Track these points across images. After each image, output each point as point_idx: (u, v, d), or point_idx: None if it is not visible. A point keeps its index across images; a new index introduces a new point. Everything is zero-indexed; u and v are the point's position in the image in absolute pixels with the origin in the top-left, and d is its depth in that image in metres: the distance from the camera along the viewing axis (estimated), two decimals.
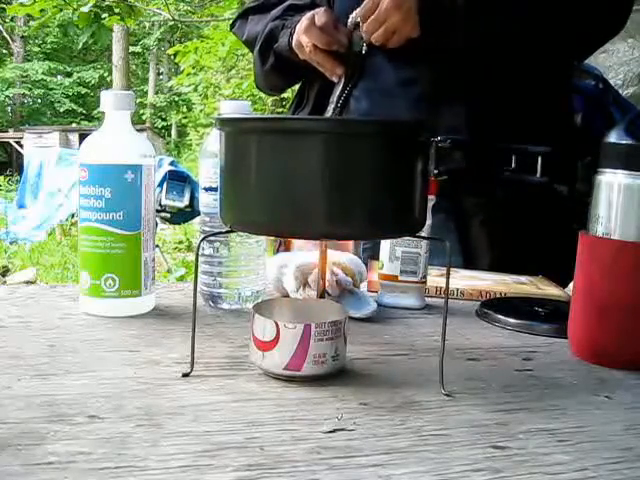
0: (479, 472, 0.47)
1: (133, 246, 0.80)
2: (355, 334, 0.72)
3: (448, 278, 0.60)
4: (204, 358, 0.66)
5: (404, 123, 0.65)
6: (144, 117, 18.53)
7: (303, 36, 1.08)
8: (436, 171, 0.61)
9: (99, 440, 0.49)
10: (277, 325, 0.60)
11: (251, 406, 0.56)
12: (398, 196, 0.59)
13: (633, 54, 2.02)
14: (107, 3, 5.05)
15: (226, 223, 0.63)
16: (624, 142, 0.67)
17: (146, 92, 20.14)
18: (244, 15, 1.31)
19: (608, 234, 0.68)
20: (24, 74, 19.17)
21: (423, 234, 0.65)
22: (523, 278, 1.03)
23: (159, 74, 21.61)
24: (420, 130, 0.60)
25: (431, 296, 0.93)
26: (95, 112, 17.93)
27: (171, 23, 11.71)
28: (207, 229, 0.85)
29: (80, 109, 20.11)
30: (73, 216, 6.88)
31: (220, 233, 0.74)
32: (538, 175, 0.73)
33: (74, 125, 17.61)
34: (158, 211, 5.71)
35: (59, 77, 20.40)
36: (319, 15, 1.07)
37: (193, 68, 8.13)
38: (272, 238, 1.17)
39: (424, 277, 0.89)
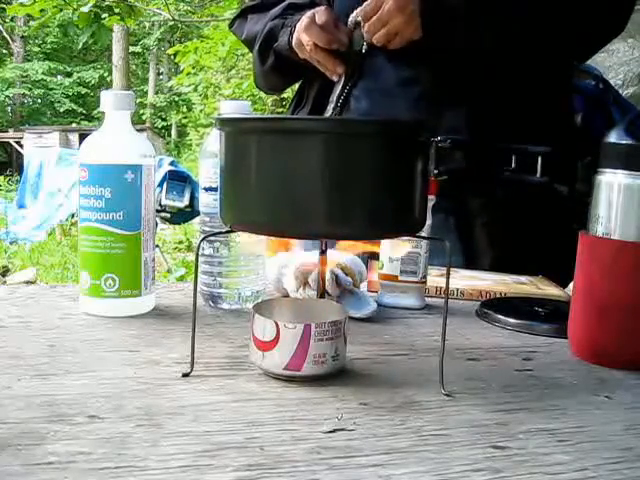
0: (479, 472, 0.47)
1: (133, 246, 0.80)
2: (355, 334, 0.72)
3: (448, 278, 0.60)
4: (204, 358, 0.66)
5: (404, 123, 0.65)
6: (144, 117, 18.53)
7: (303, 34, 1.08)
8: (436, 171, 0.61)
9: (99, 440, 0.49)
10: (277, 325, 0.60)
11: (251, 406, 0.56)
12: (398, 196, 0.59)
13: (633, 54, 2.02)
14: (107, 3, 5.05)
15: (226, 223, 0.63)
16: (624, 142, 0.67)
17: (146, 92, 20.15)
18: (243, 14, 1.30)
19: (608, 234, 0.68)
20: (24, 74, 19.17)
21: (423, 234, 0.65)
22: (523, 278, 1.03)
23: (159, 74, 21.61)
24: (420, 130, 0.60)
25: (431, 296, 0.93)
26: (95, 112, 17.94)
27: (171, 23, 11.71)
28: (207, 229, 0.85)
29: (80, 109, 20.11)
30: (73, 216, 6.88)
31: (220, 233, 0.74)
32: (538, 175, 0.73)
33: (74, 125, 17.61)
34: (158, 211, 5.70)
35: (59, 77, 20.40)
36: (320, 14, 1.07)
37: (193, 68, 8.14)
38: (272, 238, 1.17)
39: (424, 277, 0.89)
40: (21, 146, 14.06)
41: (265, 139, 0.58)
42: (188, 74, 8.39)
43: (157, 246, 5.40)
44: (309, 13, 1.08)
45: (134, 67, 21.18)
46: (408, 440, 0.51)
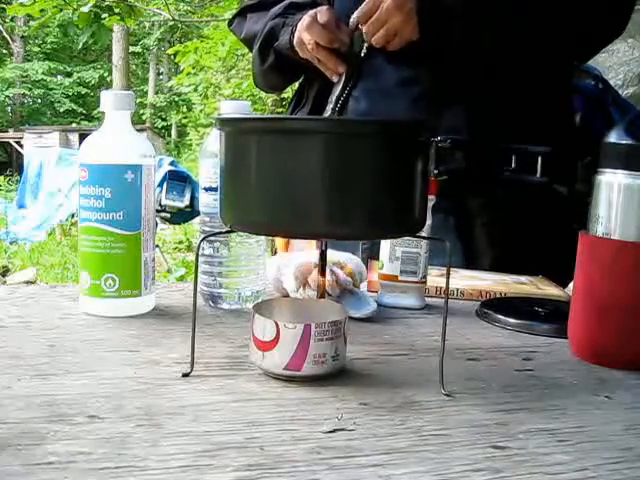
0: (479, 472, 0.47)
1: (133, 246, 0.80)
2: (355, 334, 0.72)
3: (448, 278, 0.60)
4: (204, 358, 0.66)
5: (404, 123, 0.65)
6: (144, 117, 18.53)
7: (305, 33, 1.08)
8: (436, 171, 0.61)
9: (99, 440, 0.49)
10: (277, 325, 0.60)
11: (251, 406, 0.56)
12: (398, 196, 0.59)
13: (633, 54, 2.02)
14: (107, 3, 5.05)
15: (226, 223, 0.63)
16: (624, 142, 0.67)
17: (146, 92, 20.15)
18: (242, 13, 1.30)
19: (608, 234, 0.68)
20: (24, 74, 19.17)
21: (423, 234, 0.65)
22: (523, 278, 1.03)
23: (159, 74, 21.61)
24: (420, 130, 0.60)
25: (431, 296, 0.93)
26: (95, 112, 17.94)
27: (171, 23, 11.71)
28: (207, 229, 0.85)
29: (80, 109, 20.12)
30: (73, 216, 6.89)
31: (220, 233, 0.74)
32: (538, 175, 0.73)
33: (74, 125, 17.62)
34: (158, 211, 5.70)
35: (59, 77, 20.40)
36: (322, 13, 1.07)
37: (193, 68, 8.13)
38: (271, 238, 1.17)
39: (424, 277, 0.89)
40: (21, 146, 14.06)
41: (265, 139, 0.58)
42: (188, 74, 8.38)
43: (157, 246, 5.40)
44: (311, 12, 1.08)
45: (134, 67, 21.18)
46: (408, 440, 0.51)
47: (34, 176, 7.82)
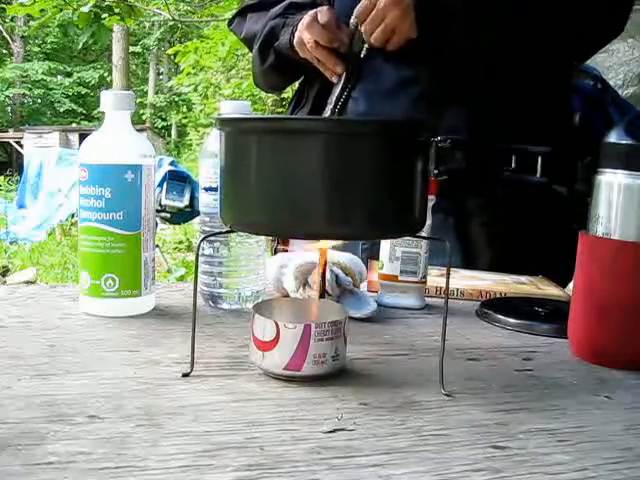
0: (479, 472, 0.47)
1: (133, 246, 0.80)
2: (355, 334, 0.72)
3: (448, 278, 0.60)
4: (204, 358, 0.66)
5: (404, 123, 0.64)
6: (144, 117, 18.54)
7: (305, 32, 1.08)
8: (436, 171, 0.61)
9: (99, 440, 0.49)
10: (277, 325, 0.60)
11: (251, 406, 0.56)
12: (398, 196, 0.59)
13: (633, 54, 2.02)
14: (107, 3, 5.05)
15: (226, 223, 0.63)
16: (624, 142, 0.67)
17: (146, 92, 20.15)
18: (242, 13, 1.30)
19: (608, 234, 0.68)
20: (24, 74, 19.17)
21: (423, 234, 0.65)
22: (523, 278, 1.03)
23: (159, 74, 21.61)
24: (420, 130, 0.60)
25: (431, 296, 0.93)
26: (95, 112, 17.94)
27: (171, 23, 11.71)
28: (207, 229, 0.85)
29: (80, 109, 20.12)
30: (73, 216, 6.89)
31: (220, 233, 0.74)
32: (538, 175, 0.73)
33: (74, 125, 17.62)
34: (158, 211, 5.71)
35: (59, 77, 20.40)
36: (322, 13, 1.08)
37: (193, 68, 8.13)
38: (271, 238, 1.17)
39: (424, 277, 0.89)
40: (21, 146, 14.06)
41: (265, 139, 0.58)
42: (188, 74, 8.38)
43: (157, 246, 5.40)
44: (311, 12, 1.08)
45: (134, 67, 21.18)
46: (408, 440, 0.51)
47: (34, 176, 7.82)
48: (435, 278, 0.95)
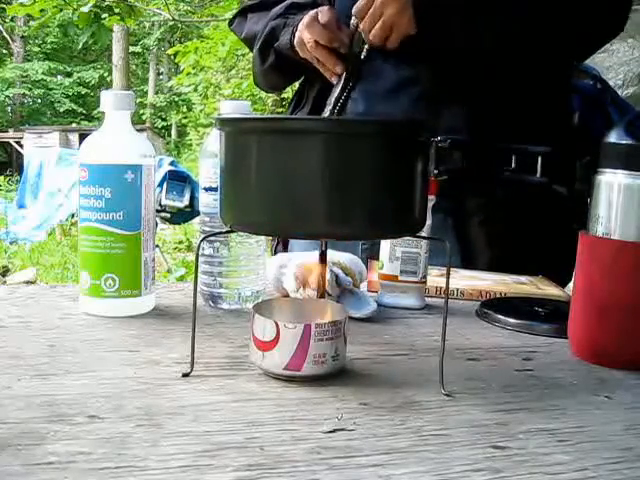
0: (479, 472, 0.47)
1: (133, 246, 0.80)
2: (355, 334, 0.72)
3: (448, 278, 0.60)
4: (204, 358, 0.66)
5: (404, 123, 0.65)
6: (144, 117, 18.54)
7: (305, 32, 1.08)
8: (436, 171, 0.61)
9: (99, 440, 0.49)
10: (277, 325, 0.60)
11: (251, 406, 0.56)
12: (398, 196, 0.59)
13: (633, 54, 2.02)
14: (107, 3, 5.05)
15: (226, 223, 0.63)
16: (624, 142, 0.67)
17: (146, 92, 20.15)
18: (243, 13, 1.31)
19: (608, 234, 0.68)
20: (24, 74, 19.17)
21: (423, 234, 0.65)
22: (523, 278, 1.03)
23: (159, 74, 21.62)
24: (420, 130, 0.60)
25: (431, 296, 0.93)
26: (95, 112, 17.95)
27: (171, 23, 11.71)
28: (207, 229, 0.85)
29: (80, 109, 20.12)
30: (73, 216, 6.89)
31: (220, 233, 0.74)
32: (538, 175, 0.73)
33: (74, 125, 17.62)
34: (158, 211, 5.71)
35: (59, 77, 20.40)
36: (323, 13, 1.08)
37: (193, 68, 8.13)
38: (270, 238, 1.17)
39: (424, 277, 0.89)
40: (21, 146, 14.06)
41: (265, 139, 0.58)
42: (188, 74, 8.38)
43: (157, 246, 5.40)
44: (312, 12, 1.09)
45: (134, 67, 21.19)
46: (408, 440, 0.51)
47: (34, 176, 7.82)
48: (435, 278, 0.95)
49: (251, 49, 1.27)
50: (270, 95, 6.71)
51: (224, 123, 0.62)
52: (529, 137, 0.88)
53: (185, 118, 14.69)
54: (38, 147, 11.67)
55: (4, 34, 18.73)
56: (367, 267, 0.95)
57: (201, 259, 0.84)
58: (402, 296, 0.89)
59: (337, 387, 0.61)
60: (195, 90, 9.81)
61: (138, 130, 0.86)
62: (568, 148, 0.99)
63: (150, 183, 0.81)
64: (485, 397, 0.60)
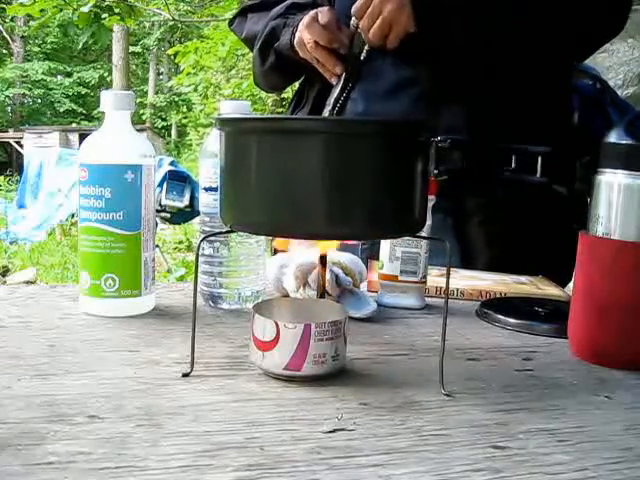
0: (479, 472, 0.47)
1: (133, 246, 0.80)
2: (355, 334, 0.72)
3: (448, 278, 0.60)
4: (204, 358, 0.66)
5: (404, 123, 0.65)
6: (144, 117, 18.54)
7: (305, 32, 1.08)
8: (436, 171, 0.61)
9: (99, 440, 0.49)
10: (277, 325, 0.60)
11: (251, 406, 0.56)
12: (398, 196, 0.59)
13: (633, 54, 2.02)
14: (107, 3, 5.05)
15: (226, 223, 0.63)
16: (624, 142, 0.67)
17: (146, 92, 20.15)
18: (243, 13, 1.31)
19: (608, 234, 0.68)
20: (24, 74, 19.17)
21: (423, 234, 0.65)
22: (523, 278, 1.03)
23: (159, 74, 21.62)
24: (420, 130, 0.60)
25: (431, 296, 0.93)
26: (95, 112, 17.95)
27: (171, 23, 11.71)
28: (207, 229, 0.85)
29: (80, 109, 20.12)
30: (73, 216, 6.89)
31: (220, 233, 0.74)
32: (538, 175, 0.73)
33: (74, 125, 17.62)
34: (158, 211, 5.71)
35: (59, 77, 20.41)
36: (323, 13, 1.08)
37: (193, 68, 8.14)
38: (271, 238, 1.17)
39: (424, 277, 0.89)
40: (21, 146, 14.06)
41: (265, 139, 0.58)
42: (188, 74, 8.38)
43: (157, 246, 5.40)
44: (312, 12, 1.09)
45: (134, 67, 21.19)
46: (408, 440, 0.51)
47: (34, 176, 7.82)
48: (435, 278, 0.95)
49: (251, 49, 1.27)
50: (270, 95, 6.71)
51: (224, 123, 0.62)
52: (529, 137, 0.88)
53: (185, 118, 14.69)
54: (38, 147, 11.67)
55: (4, 34, 18.73)
56: (367, 267, 0.95)
57: (201, 259, 0.84)
58: (402, 296, 0.89)
59: (337, 387, 0.61)
60: (195, 90, 9.81)
61: (138, 130, 0.86)
62: (568, 148, 0.99)
63: (150, 183, 0.81)
64: (485, 397, 0.60)
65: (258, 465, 0.46)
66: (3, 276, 5.03)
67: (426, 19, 1.02)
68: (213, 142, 0.82)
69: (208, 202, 0.84)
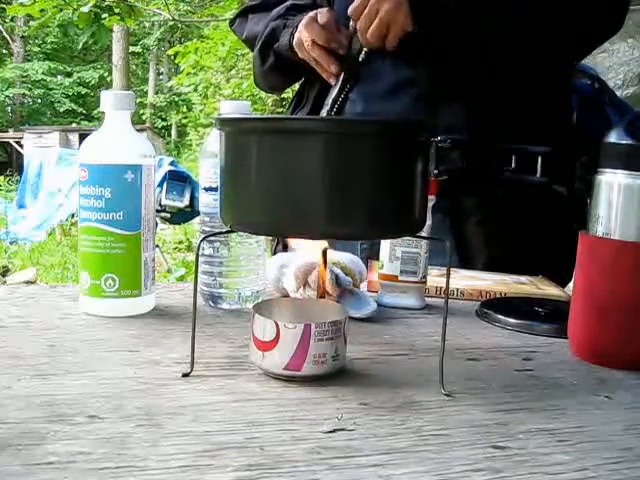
0: (479, 472, 0.47)
1: (133, 246, 0.80)
2: (355, 334, 0.72)
3: (448, 278, 0.60)
4: (204, 358, 0.66)
5: (404, 123, 0.65)
6: (144, 117, 18.54)
7: (303, 31, 1.08)
8: (436, 171, 0.61)
9: (99, 440, 0.49)
10: (277, 325, 0.60)
11: (251, 406, 0.56)
12: (398, 196, 0.59)
13: (633, 54, 2.02)
14: (107, 3, 5.05)
15: (226, 223, 0.63)
16: (624, 142, 0.67)
17: (146, 92, 20.15)
18: (244, 13, 1.31)
19: (608, 234, 0.68)
20: (24, 74, 19.17)
21: (423, 234, 0.65)
22: (523, 278, 1.03)
23: (159, 74, 21.62)
24: (420, 130, 0.60)
25: (431, 296, 0.93)
26: (95, 112, 17.94)
27: (171, 23, 11.72)
28: (207, 229, 0.85)
29: (80, 109, 20.12)
30: (73, 216, 6.89)
31: (220, 233, 0.74)
32: (538, 175, 0.73)
33: (74, 125, 17.62)
34: (158, 211, 5.71)
35: (59, 77, 20.41)
36: (322, 14, 1.08)
37: (193, 68, 8.14)
38: (270, 238, 1.17)
39: (424, 277, 0.89)
40: (21, 146, 14.06)
41: (265, 139, 0.58)
42: (188, 74, 8.39)
43: (157, 246, 5.40)
44: (311, 13, 1.09)
45: (134, 67, 21.19)
46: (408, 440, 0.51)
47: (34, 176, 7.82)
48: (435, 278, 0.95)
49: (252, 50, 1.27)
50: (270, 95, 6.71)
51: (224, 123, 0.62)
52: (529, 137, 0.88)
53: (185, 118, 14.69)
54: (38, 147, 11.67)
55: (4, 34, 18.73)
56: (367, 267, 0.95)
57: (201, 259, 0.84)
58: (402, 296, 0.89)
59: (337, 387, 0.61)
60: (195, 90, 9.81)
61: (138, 130, 0.86)
62: (568, 148, 0.99)
63: (150, 183, 0.81)
64: (485, 397, 0.60)
65: (258, 465, 0.46)
66: (3, 276, 5.03)
67: (424, 17, 1.02)
68: (213, 142, 0.82)
69: (208, 202, 0.84)
